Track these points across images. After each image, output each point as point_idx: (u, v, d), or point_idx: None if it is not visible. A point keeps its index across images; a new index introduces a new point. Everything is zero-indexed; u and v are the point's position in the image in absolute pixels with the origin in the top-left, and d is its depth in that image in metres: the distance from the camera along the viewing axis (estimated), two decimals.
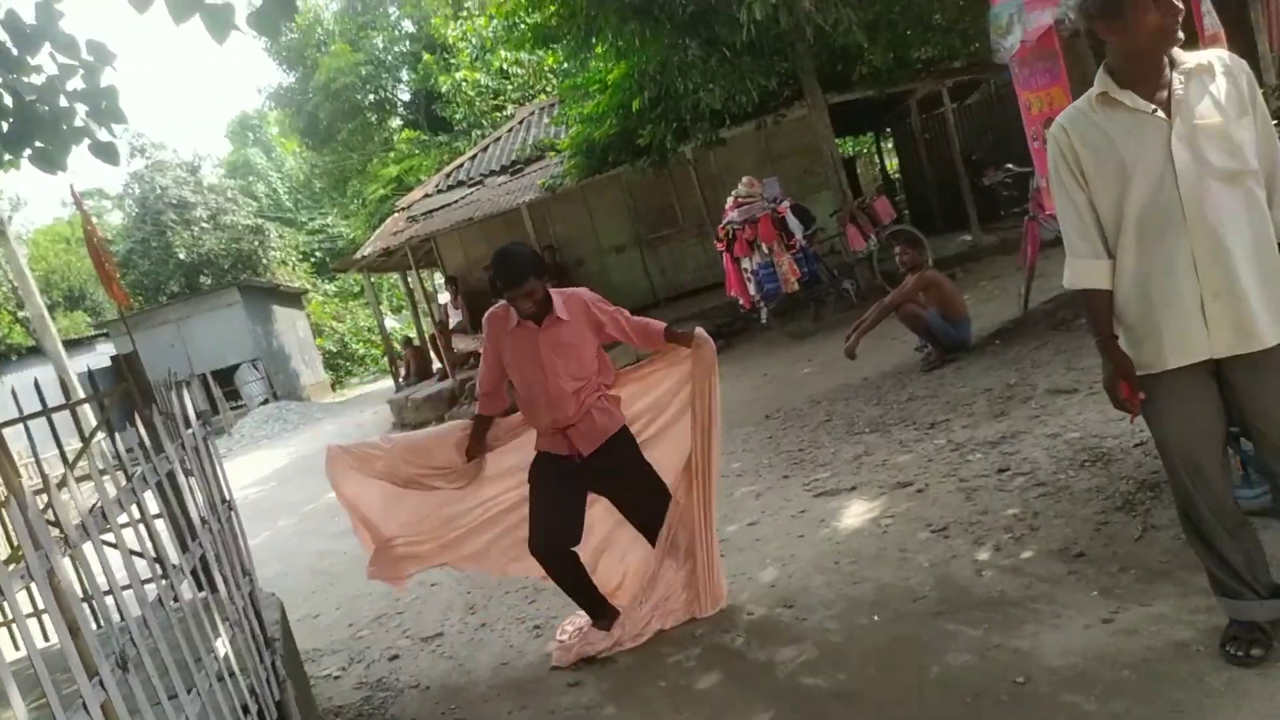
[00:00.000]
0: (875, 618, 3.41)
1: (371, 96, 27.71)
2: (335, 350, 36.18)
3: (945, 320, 6.97)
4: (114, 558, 2.21)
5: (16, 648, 4.05)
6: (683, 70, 9.35)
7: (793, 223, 10.18)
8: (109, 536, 2.20)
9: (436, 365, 16.37)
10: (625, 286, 15.42)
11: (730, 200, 10.59)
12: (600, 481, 3.85)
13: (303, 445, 17.48)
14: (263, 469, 15.36)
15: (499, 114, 22.96)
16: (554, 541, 3.81)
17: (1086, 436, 4.48)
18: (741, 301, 10.77)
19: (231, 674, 2.55)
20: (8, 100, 4.39)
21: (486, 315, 3.87)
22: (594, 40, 10.18)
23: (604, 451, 3.74)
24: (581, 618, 4.00)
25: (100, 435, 4.42)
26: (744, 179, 10.65)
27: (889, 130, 18.48)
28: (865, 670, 3.09)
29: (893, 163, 20.49)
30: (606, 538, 4.13)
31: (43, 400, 4.20)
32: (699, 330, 3.90)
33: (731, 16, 8.06)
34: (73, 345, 24.14)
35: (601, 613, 3.89)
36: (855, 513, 4.52)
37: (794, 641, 3.41)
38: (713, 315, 12.24)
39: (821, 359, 8.92)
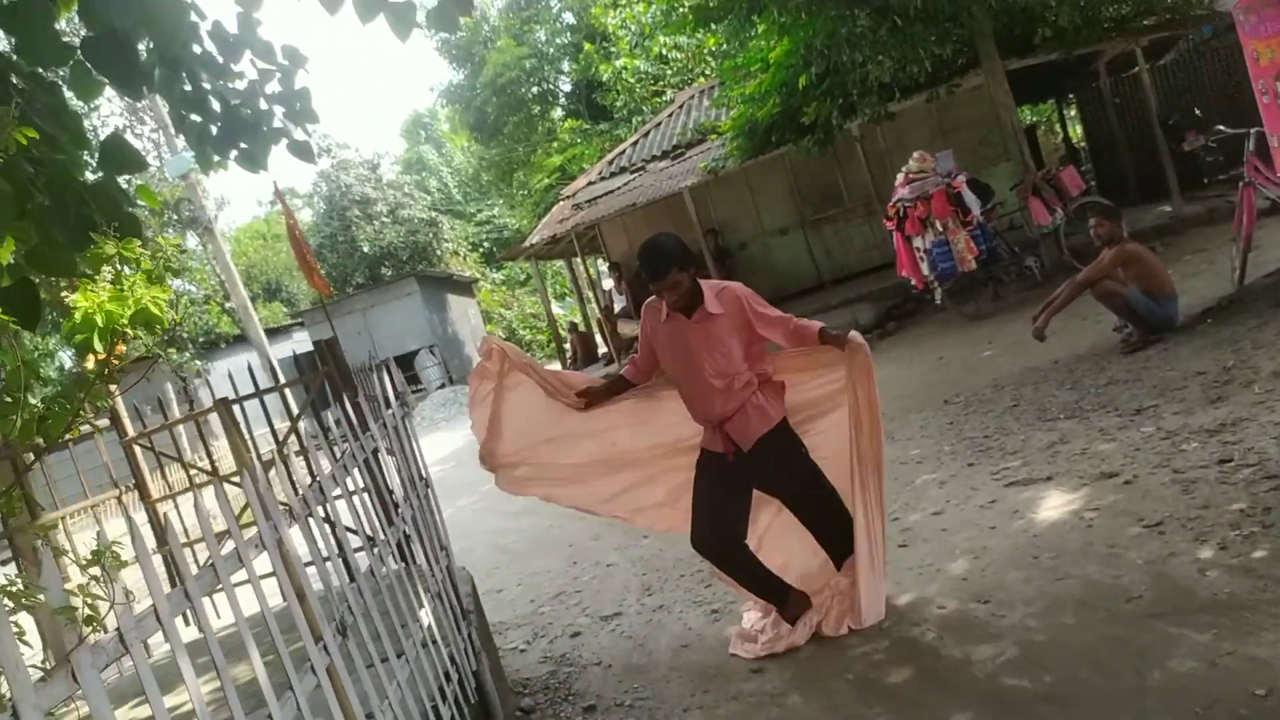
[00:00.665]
0: (1082, 617, 3.17)
1: (535, 89, 28.50)
2: (505, 336, 37.65)
3: (1149, 296, 6.41)
4: (321, 530, 2.34)
5: (218, 616, 4.42)
6: (851, 43, 9.01)
7: (969, 198, 9.66)
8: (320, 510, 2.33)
9: (602, 349, 16.71)
10: (789, 269, 15.17)
11: (900, 177, 10.16)
12: (764, 478, 3.74)
13: None
14: (442, 450, 16.15)
15: (659, 99, 23.06)
16: (711, 539, 3.75)
17: None
18: (914, 282, 10.33)
19: (434, 642, 2.67)
20: (216, 106, 4.73)
21: (645, 305, 3.85)
22: (756, 18, 9.98)
23: (761, 448, 3.62)
24: (762, 606, 3.93)
25: (305, 415, 4.74)
26: (915, 154, 10.18)
27: (1072, 96, 17.21)
28: (1075, 673, 2.88)
29: (1076, 130, 19.09)
30: (769, 526, 4.03)
31: (255, 383, 4.55)
32: (853, 334, 3.70)
33: None
34: (272, 333, 26.26)
35: (786, 600, 3.79)
36: (1053, 504, 4.23)
37: (991, 639, 3.22)
38: (882, 297, 11.84)
39: (1003, 340, 8.43)
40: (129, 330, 1.50)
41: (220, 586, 1.54)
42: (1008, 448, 5.30)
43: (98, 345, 1.47)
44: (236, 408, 4.62)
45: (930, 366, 8.63)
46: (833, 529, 3.76)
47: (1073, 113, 18.59)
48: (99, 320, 1.45)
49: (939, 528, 4.45)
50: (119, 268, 1.69)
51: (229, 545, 1.70)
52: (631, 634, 4.45)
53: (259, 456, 5.18)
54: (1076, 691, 2.78)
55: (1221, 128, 7.40)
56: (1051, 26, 9.30)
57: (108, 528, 5.34)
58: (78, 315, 1.48)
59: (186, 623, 4.66)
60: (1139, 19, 10.71)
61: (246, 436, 4.92)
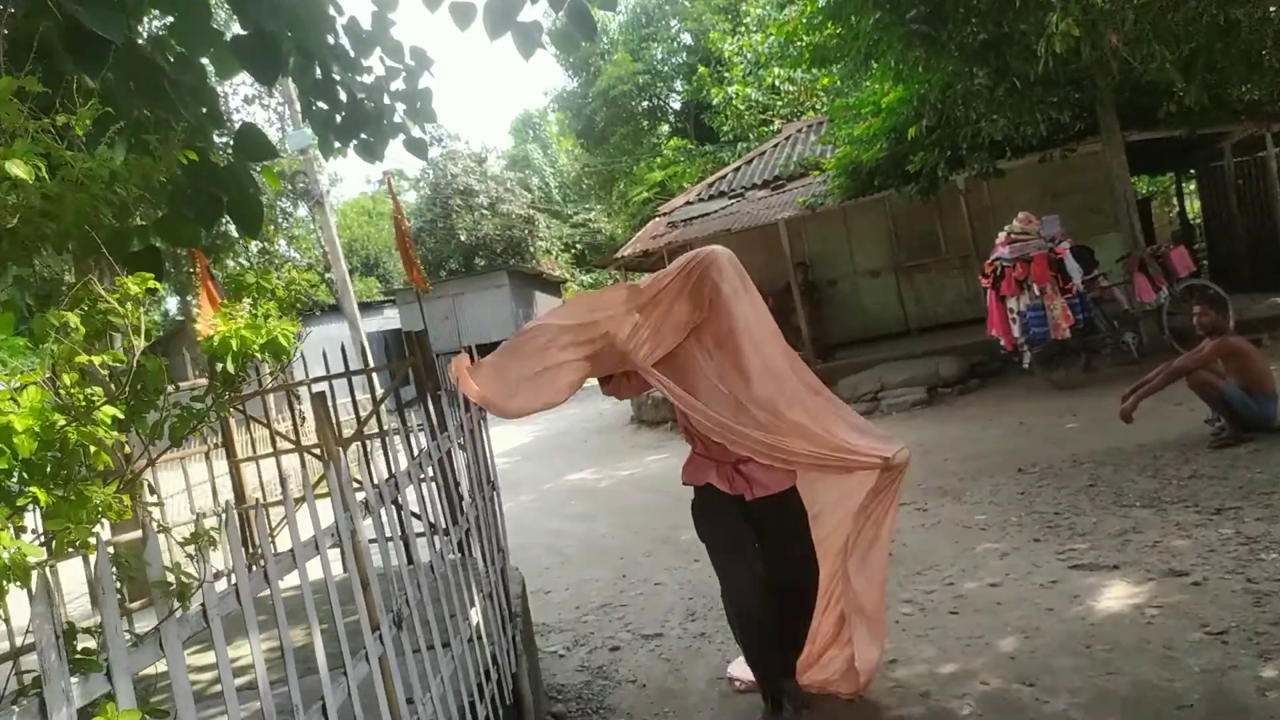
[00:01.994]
0: (1128, 717, 3.10)
1: (645, 104, 28.86)
2: None
3: (1246, 393, 6.18)
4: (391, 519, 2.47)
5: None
6: (966, 99, 8.92)
7: (1071, 265, 9.44)
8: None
9: None
10: (877, 312, 15.02)
11: (1002, 235, 9.99)
12: (758, 532, 3.44)
13: (547, 424, 18.54)
14: (510, 442, 16.45)
15: (766, 129, 23.09)
16: (757, 587, 3.41)
17: None
18: (1003, 342, 10.13)
19: (479, 640, 2.78)
20: (343, 96, 4.97)
21: None
22: (873, 63, 9.96)
23: (769, 503, 3.37)
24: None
25: (388, 399, 4.94)
26: (1020, 214, 10.00)
27: (1193, 171, 16.62)
28: None
29: (1194, 207, 18.40)
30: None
31: (346, 363, 4.77)
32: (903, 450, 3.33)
33: (1027, 46, 7.58)
34: (364, 308, 27.10)
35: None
36: (1116, 595, 4.13)
37: None
38: (968, 352, 11.63)
39: (1088, 414, 8.21)
40: (259, 356, 1.64)
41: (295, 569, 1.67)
42: (1078, 528, 5.17)
43: (230, 367, 1.61)
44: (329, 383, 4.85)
45: (1009, 431, 8.45)
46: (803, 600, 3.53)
47: (1192, 188, 17.93)
48: (234, 345, 1.59)
49: (994, 600, 4.38)
50: (255, 296, 1.83)
51: (303, 514, 1.82)
52: (670, 657, 4.50)
53: (338, 429, 5.41)
54: None
55: None
56: (1177, 103, 9.04)
57: (191, 475, 5.66)
58: (215, 339, 1.63)
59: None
60: (1273, 102, 10.32)
61: (330, 409, 5.14)
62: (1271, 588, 3.84)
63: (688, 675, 4.22)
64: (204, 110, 3.83)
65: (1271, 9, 6.83)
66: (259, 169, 4.24)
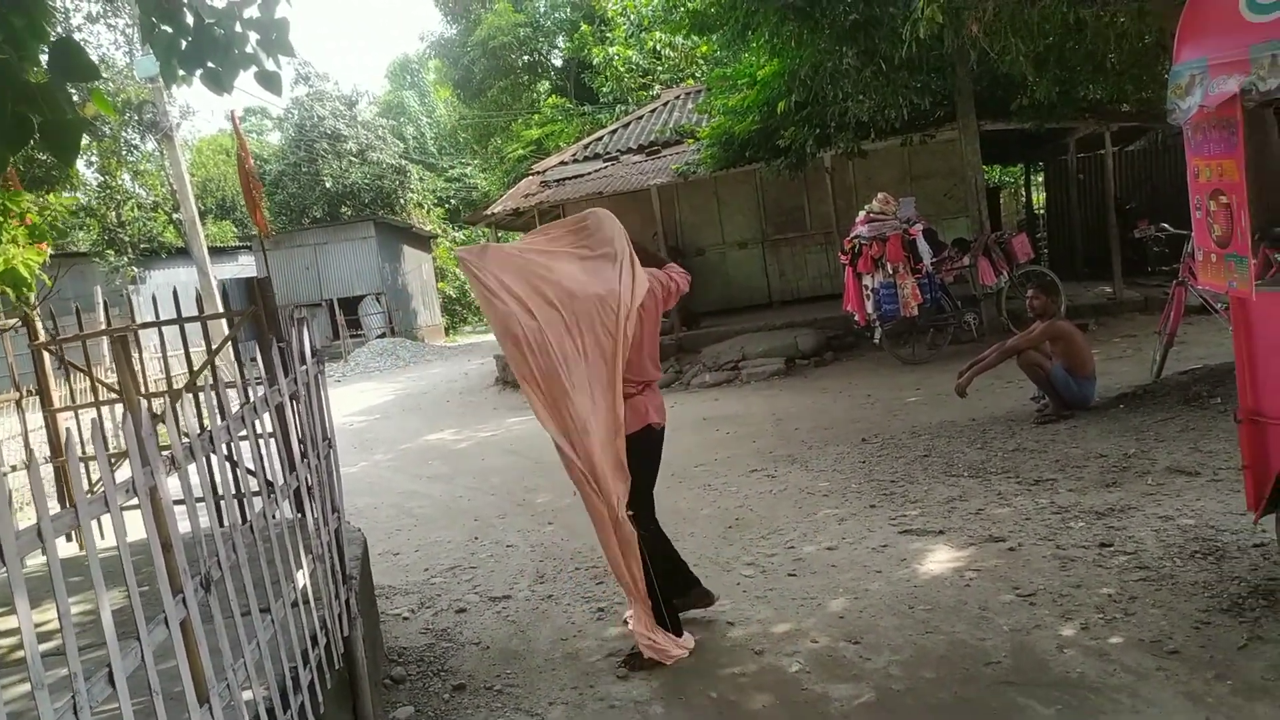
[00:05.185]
0: (942, 673, 3.30)
1: (526, 58, 28.22)
2: (454, 296, 37.29)
3: (1069, 374, 6.65)
4: (200, 473, 2.33)
5: (103, 536, 4.33)
6: (835, 77, 9.14)
7: (923, 247, 9.89)
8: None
9: None
10: (742, 282, 15.33)
11: (862, 214, 10.36)
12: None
13: (410, 383, 18.13)
14: (369, 400, 15.98)
15: (645, 93, 23.02)
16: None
17: (1202, 526, 4.21)
18: (857, 317, 10.55)
19: (306, 604, 2.67)
20: (189, 20, 4.60)
21: None
22: (750, 35, 10.04)
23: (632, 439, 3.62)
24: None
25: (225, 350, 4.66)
26: (879, 195, 10.39)
27: (1041, 164, 17.69)
28: None
29: (1040, 198, 19.61)
30: None
31: (178, 309, 4.47)
32: None
33: (894, 30, 7.82)
34: (217, 252, 25.60)
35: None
36: (939, 559, 4.38)
37: (854, 680, 3.34)
38: (825, 326, 12.04)
39: (930, 389, 8.66)
40: None
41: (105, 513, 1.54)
42: (910, 495, 5.46)
43: None
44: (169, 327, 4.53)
45: (857, 402, 8.82)
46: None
47: (1040, 180, 19.09)
48: None
49: (829, 563, 4.57)
50: (1, 219, 1.65)
51: (125, 470, 1.69)
52: (516, 619, 4.49)
53: (170, 383, 5.08)
54: None
55: (1166, 225, 7.71)
56: (1029, 96, 9.55)
57: (1, 428, 5.18)
58: None
59: (69, 540, 4.56)
60: (1114, 104, 11.06)
61: (163, 360, 4.82)
62: (1077, 553, 4.16)
63: (532, 637, 4.22)
64: (24, 20, 3.45)
65: (1121, 18, 7.25)
66: (86, 90, 3.88)
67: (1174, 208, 9.98)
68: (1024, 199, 21.20)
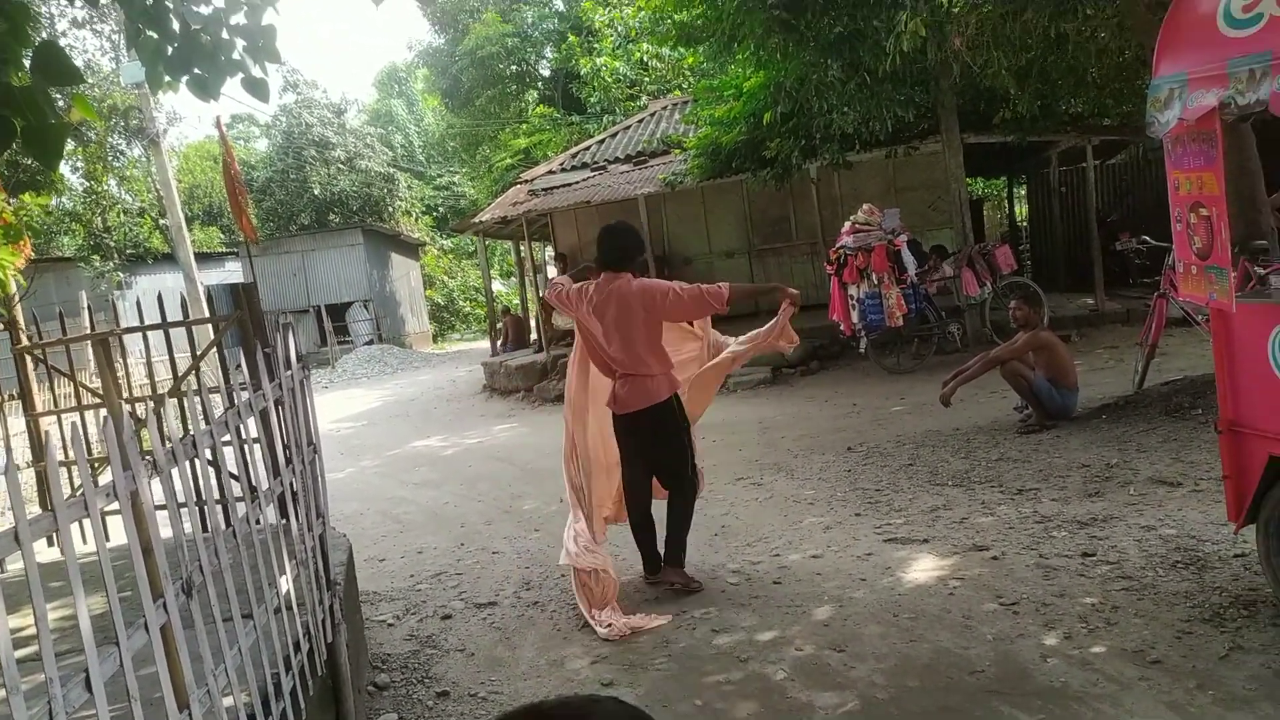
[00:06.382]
0: (926, 682, 3.31)
1: (514, 68, 28.20)
2: (442, 304, 37.24)
3: (1052, 385, 6.70)
4: (191, 478, 2.31)
5: (85, 541, 4.30)
6: (820, 90, 9.20)
7: (907, 258, 9.96)
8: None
9: (534, 336, 16.65)
10: None
11: (847, 225, 10.42)
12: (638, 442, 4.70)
13: (398, 389, 18.06)
14: (356, 406, 15.90)
15: (632, 104, 23.07)
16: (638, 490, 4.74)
17: (1183, 536, 4.24)
18: (842, 327, 10.59)
19: (289, 610, 2.65)
20: (175, 25, 4.60)
21: (578, 287, 4.71)
22: (736, 47, 10.11)
23: (635, 417, 4.58)
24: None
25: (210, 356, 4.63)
26: (864, 206, 10.46)
27: (1024, 177, 17.85)
28: None
29: (1023, 210, 19.78)
30: None
31: (163, 314, 4.45)
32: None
33: (879, 43, 7.88)
34: (204, 259, 25.43)
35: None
36: (923, 567, 4.40)
37: (838, 688, 3.34)
38: (810, 336, 12.04)
39: (914, 399, 8.70)
40: None
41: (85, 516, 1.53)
42: (895, 504, 5.48)
43: None
44: (154, 333, 4.50)
45: (842, 411, 8.85)
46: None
47: (1022, 193, 19.25)
48: None
49: (814, 570, 4.58)
50: None
51: (107, 475, 1.67)
52: (501, 626, 4.47)
53: (155, 388, 5.05)
54: None
55: (1147, 238, 7.79)
56: (1012, 110, 9.65)
57: None
58: None
59: (49, 544, 4.51)
60: (1095, 118, 11.18)
61: (148, 365, 4.78)
62: (1060, 563, 4.18)
63: (517, 644, 4.20)
64: (4, 25, 3.43)
65: (1101, 33, 7.34)
66: (69, 95, 3.86)
67: (1155, 220, 10.11)
68: (1007, 211, 21.37)
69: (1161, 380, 7.24)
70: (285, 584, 2.65)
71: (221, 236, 35.37)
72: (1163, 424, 6.17)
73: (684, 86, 20.75)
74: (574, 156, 16.98)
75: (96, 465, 3.97)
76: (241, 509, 2.48)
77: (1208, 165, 3.16)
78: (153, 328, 4.41)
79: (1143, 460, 5.51)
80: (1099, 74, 8.77)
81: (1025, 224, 18.66)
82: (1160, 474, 5.19)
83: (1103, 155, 14.40)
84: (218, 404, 2.57)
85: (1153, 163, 14.22)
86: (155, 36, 4.57)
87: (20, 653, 1.40)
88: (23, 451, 5.66)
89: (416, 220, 36.62)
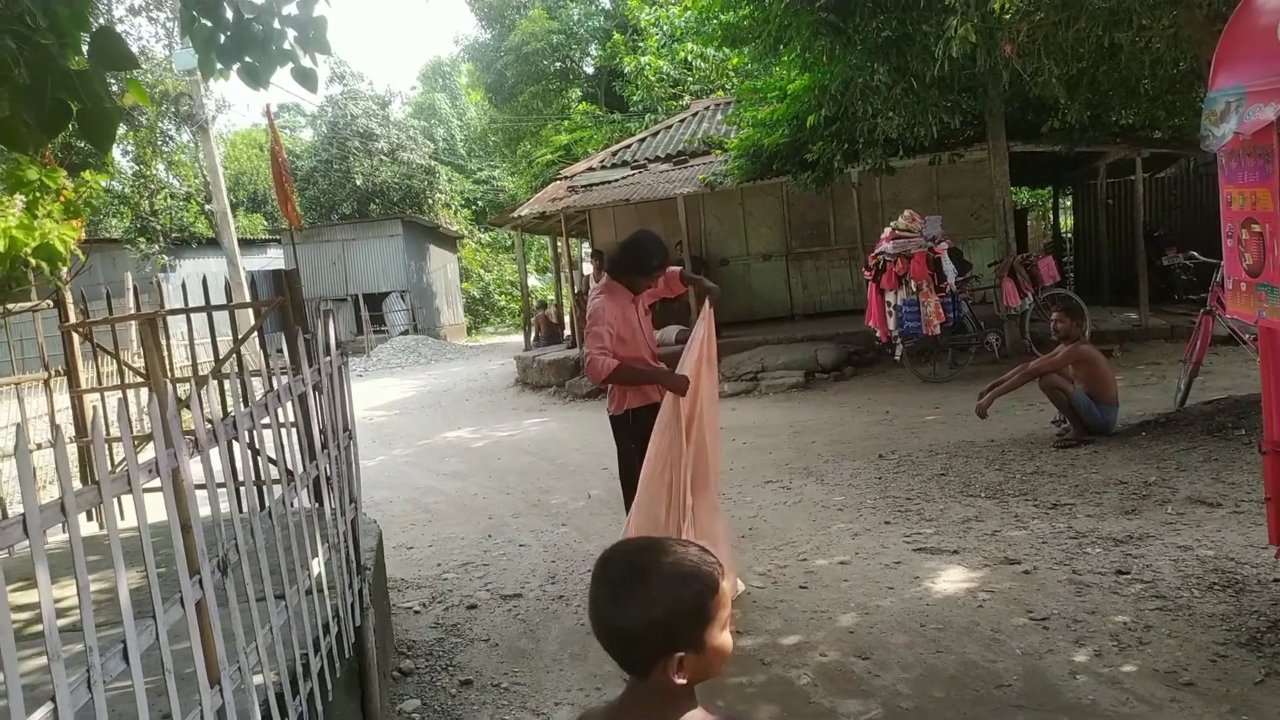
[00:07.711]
0: (951, 694, 3.27)
1: (558, 65, 28.35)
2: (478, 297, 37.56)
3: (1091, 399, 6.59)
4: (231, 457, 2.35)
5: (124, 517, 4.39)
6: (865, 94, 9.11)
7: (947, 266, 9.84)
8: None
9: (567, 332, 16.72)
10: (764, 294, 15.32)
11: (887, 230, 10.33)
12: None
13: (431, 380, 18.24)
14: (390, 395, 16.08)
15: (675, 103, 23.05)
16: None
17: (1221, 558, 4.16)
18: (879, 334, 10.51)
19: (320, 592, 2.69)
20: (229, 14, 4.68)
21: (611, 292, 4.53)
22: (782, 49, 10.04)
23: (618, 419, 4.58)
24: None
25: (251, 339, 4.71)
26: (906, 212, 10.36)
27: (1070, 188, 17.57)
28: None
29: (1068, 221, 19.47)
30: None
31: (207, 297, 4.53)
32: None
33: (927, 48, 7.77)
34: (247, 244, 25.86)
35: None
36: (953, 578, 4.35)
37: (862, 695, 3.32)
38: (846, 341, 12.00)
39: (949, 409, 8.61)
40: (31, 260, 1.51)
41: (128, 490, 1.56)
42: (926, 514, 5.43)
43: None
44: (186, 316, 4.59)
45: (875, 418, 8.78)
46: None
47: (1068, 204, 18.95)
48: (1, 244, 1.46)
49: (841, 577, 4.55)
50: (38, 194, 1.68)
51: (147, 453, 1.71)
52: (526, 618, 4.50)
53: (196, 369, 5.15)
54: None
55: (1194, 253, 7.63)
56: (1060, 119, 9.49)
57: (28, 407, 5.27)
58: None
59: (89, 518, 4.62)
60: (1147, 130, 10.97)
61: (190, 346, 4.88)
62: (1093, 580, 4.12)
63: (541, 637, 4.23)
64: (68, 10, 3.52)
65: (1156, 43, 7.20)
66: (123, 80, 3.95)
67: (1203, 236, 9.91)
68: (1052, 222, 21.05)
69: (1204, 399, 7.09)
70: (317, 566, 2.68)
71: (265, 224, 35.94)
72: (1204, 443, 6.04)
73: (727, 87, 20.69)
74: (614, 154, 17.01)
75: (137, 443, 4.06)
76: (278, 491, 2.52)
77: (1262, 180, 3.09)
78: (197, 310, 4.49)
79: (1182, 479, 5.40)
80: (1152, 85, 8.59)
81: (1070, 236, 18.37)
82: (1199, 494, 5.08)
83: (1152, 169, 14.13)
84: (257, 387, 2.62)
85: (1203, 178, 13.93)
86: (209, 25, 4.65)
87: (61, 622, 1.44)
88: (66, 427, 5.80)
89: (455, 213, 36.95)
